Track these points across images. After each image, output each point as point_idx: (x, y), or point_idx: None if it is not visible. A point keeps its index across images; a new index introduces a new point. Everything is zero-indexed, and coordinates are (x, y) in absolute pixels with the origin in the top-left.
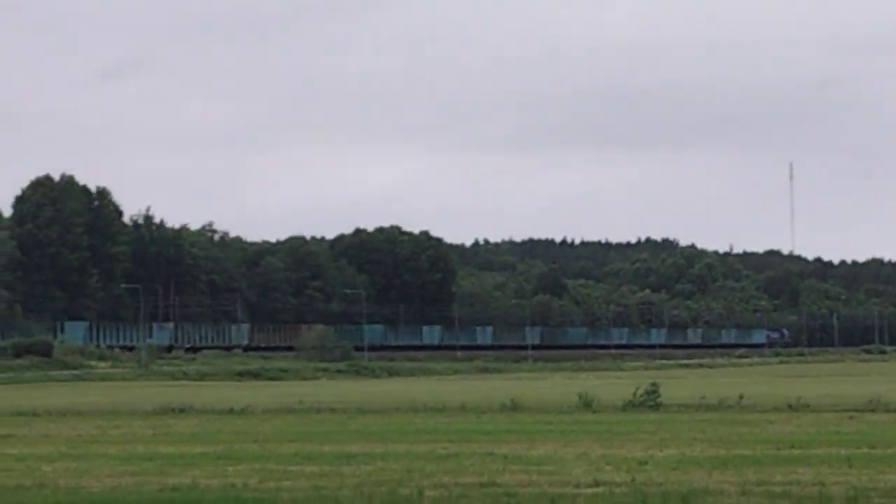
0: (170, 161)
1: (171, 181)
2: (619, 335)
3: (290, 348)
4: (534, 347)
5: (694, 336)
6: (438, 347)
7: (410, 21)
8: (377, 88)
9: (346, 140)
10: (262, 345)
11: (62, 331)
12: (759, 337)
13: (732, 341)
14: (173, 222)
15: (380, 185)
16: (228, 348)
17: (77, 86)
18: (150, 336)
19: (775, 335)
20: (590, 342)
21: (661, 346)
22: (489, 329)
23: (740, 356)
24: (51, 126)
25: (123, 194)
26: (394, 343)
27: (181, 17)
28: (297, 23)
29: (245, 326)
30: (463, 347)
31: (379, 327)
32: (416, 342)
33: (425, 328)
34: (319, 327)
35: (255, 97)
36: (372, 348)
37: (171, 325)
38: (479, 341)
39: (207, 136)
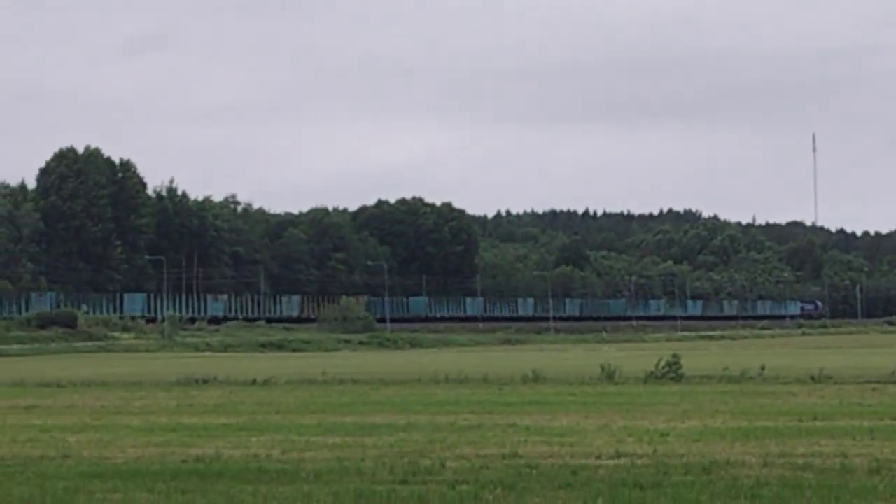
0: (193, 133)
1: (194, 153)
2: (657, 307)
3: (310, 320)
4: (569, 319)
5: (729, 308)
6: (474, 319)
7: None
8: (400, 61)
9: (369, 112)
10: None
11: (121, 303)
12: (793, 308)
13: (767, 312)
14: (196, 194)
15: (402, 157)
16: (251, 320)
17: (102, 60)
18: (206, 309)
19: (809, 306)
20: (629, 313)
21: (697, 318)
22: (529, 301)
23: (763, 328)
24: (76, 100)
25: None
26: (437, 315)
27: None
28: None
29: (296, 298)
30: (490, 319)
31: (422, 299)
32: (459, 314)
33: (468, 300)
34: (351, 299)
35: (279, 70)
36: (409, 320)
37: (297, 297)
38: (521, 313)
39: (231, 108)
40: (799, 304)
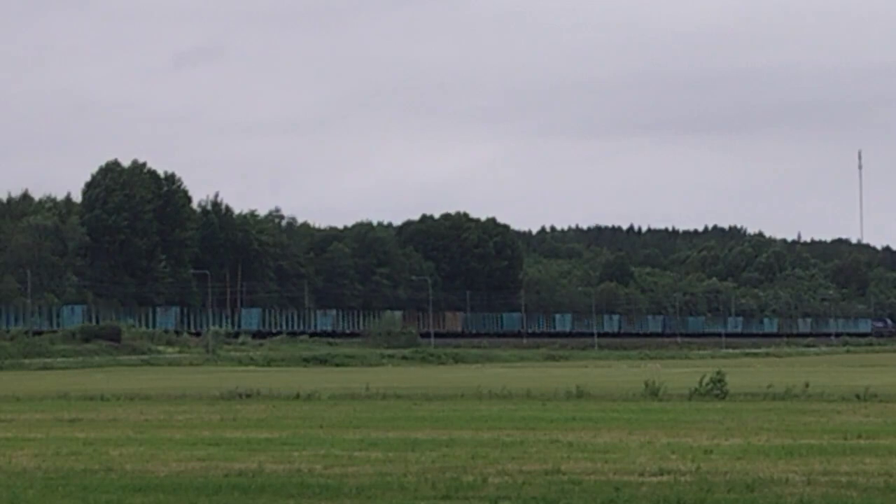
0: (238, 148)
1: (239, 167)
2: (696, 323)
3: (355, 335)
4: (605, 336)
5: (804, 325)
6: (517, 335)
7: (478, 8)
8: (445, 75)
9: (414, 127)
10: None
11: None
12: (864, 326)
13: (839, 330)
14: (241, 208)
15: (447, 172)
16: (295, 334)
17: (151, 74)
18: (240, 322)
19: (880, 324)
20: (671, 330)
21: (740, 335)
22: (567, 317)
23: (807, 345)
24: (124, 114)
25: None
26: (473, 330)
27: (252, 6)
28: (364, 11)
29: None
30: (534, 335)
31: (458, 314)
32: (496, 329)
33: (505, 315)
34: (393, 314)
35: (325, 84)
36: (453, 335)
37: (333, 312)
38: (558, 328)
39: (276, 123)
40: (870, 322)
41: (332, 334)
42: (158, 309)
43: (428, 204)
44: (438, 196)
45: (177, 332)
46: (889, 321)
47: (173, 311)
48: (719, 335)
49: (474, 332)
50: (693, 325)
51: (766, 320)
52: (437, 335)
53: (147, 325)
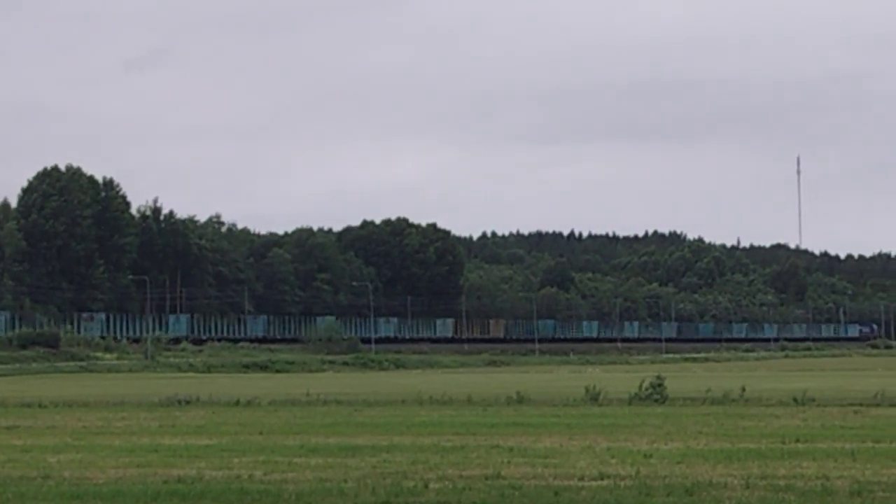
0: (182, 153)
1: (182, 173)
2: (633, 329)
3: (295, 340)
4: (545, 341)
5: (743, 330)
6: (452, 340)
7: (420, 16)
8: (386, 82)
9: (355, 133)
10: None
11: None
12: (852, 331)
13: (778, 335)
14: (183, 214)
15: (388, 178)
16: (235, 340)
17: (98, 78)
18: (254, 329)
19: (866, 329)
20: (612, 335)
21: (680, 340)
22: (502, 322)
23: (746, 350)
24: (68, 118)
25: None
26: (407, 336)
27: (198, 12)
28: (311, 17)
29: (262, 318)
30: (474, 340)
31: (393, 320)
32: (430, 335)
33: (438, 321)
34: (334, 320)
35: (266, 91)
36: (385, 341)
37: (273, 317)
38: (493, 334)
39: (218, 128)
40: (857, 327)
41: (273, 340)
42: (97, 315)
43: (369, 210)
44: (380, 202)
45: (115, 339)
46: (875, 326)
47: (112, 318)
48: (659, 340)
49: (415, 337)
50: (633, 331)
51: (705, 325)
52: (378, 341)
53: (85, 332)
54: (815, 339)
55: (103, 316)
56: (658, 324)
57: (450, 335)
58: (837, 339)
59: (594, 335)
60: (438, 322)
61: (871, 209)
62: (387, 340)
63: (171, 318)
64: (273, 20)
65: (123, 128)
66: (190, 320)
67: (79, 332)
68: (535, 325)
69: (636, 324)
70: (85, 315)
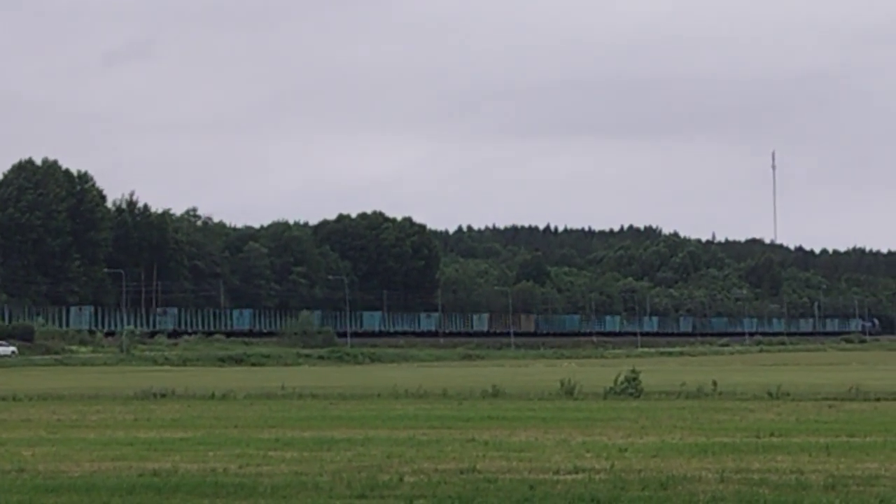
0: (159, 147)
1: (159, 167)
2: (614, 323)
3: (271, 334)
4: (526, 335)
5: (719, 325)
6: (434, 334)
7: (398, 12)
8: (362, 78)
9: (332, 128)
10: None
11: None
12: (855, 325)
13: (753, 329)
14: (157, 207)
15: (364, 172)
16: (210, 333)
17: (78, 72)
18: (230, 322)
19: (868, 324)
20: (587, 329)
21: (656, 335)
22: (484, 316)
23: (722, 344)
24: (46, 112)
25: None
26: (391, 329)
27: (177, 6)
28: (291, 13)
29: (248, 312)
30: (455, 335)
31: (378, 314)
32: (413, 329)
33: (422, 315)
34: (310, 313)
35: (242, 85)
36: (367, 335)
37: (249, 311)
38: (475, 328)
39: (197, 122)
40: (860, 322)
41: (248, 334)
42: (72, 308)
43: (346, 204)
44: (356, 196)
45: (90, 332)
46: (876, 321)
47: (87, 311)
48: (634, 334)
49: (391, 331)
50: (609, 325)
51: (680, 320)
52: (354, 335)
53: (60, 325)
54: (731, 334)
55: (91, 309)
56: (639, 318)
57: (434, 329)
58: (733, 335)
59: (575, 329)
60: (423, 316)
61: (846, 204)
62: (370, 335)
63: (158, 311)
64: (251, 15)
65: (100, 121)
66: (178, 314)
67: (66, 325)
68: (510, 318)
69: (617, 318)
70: (159, 310)
